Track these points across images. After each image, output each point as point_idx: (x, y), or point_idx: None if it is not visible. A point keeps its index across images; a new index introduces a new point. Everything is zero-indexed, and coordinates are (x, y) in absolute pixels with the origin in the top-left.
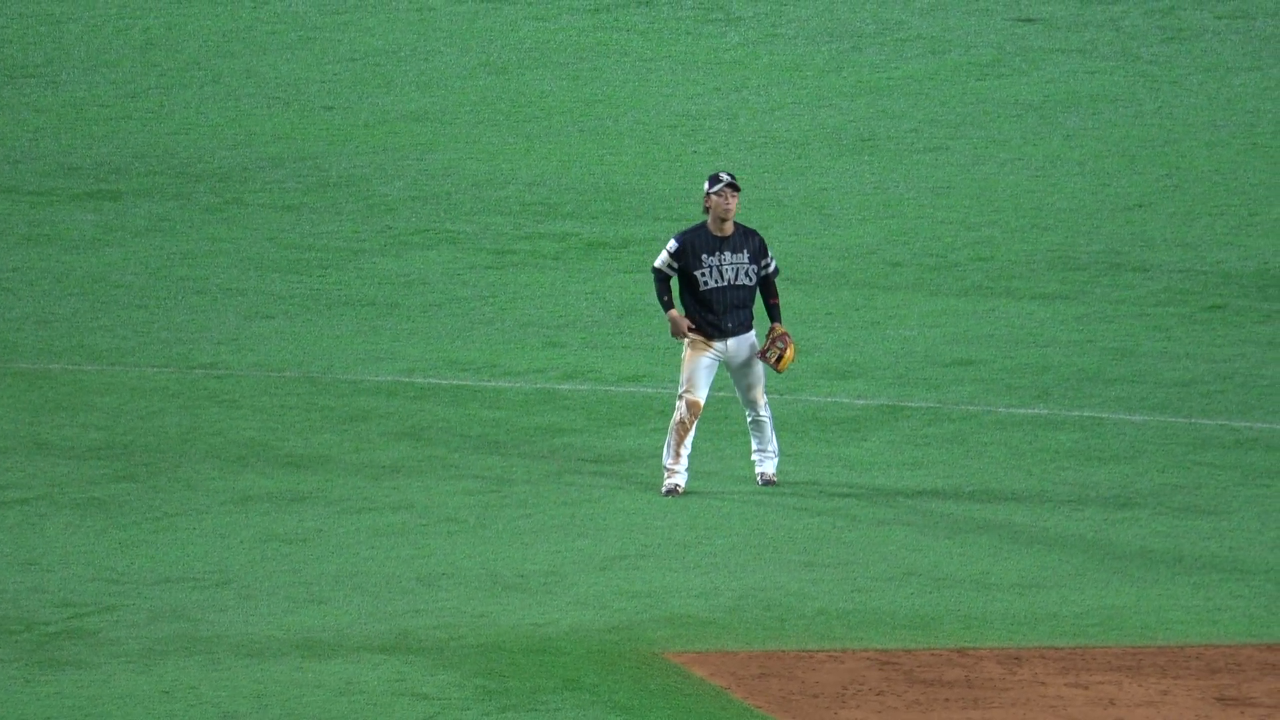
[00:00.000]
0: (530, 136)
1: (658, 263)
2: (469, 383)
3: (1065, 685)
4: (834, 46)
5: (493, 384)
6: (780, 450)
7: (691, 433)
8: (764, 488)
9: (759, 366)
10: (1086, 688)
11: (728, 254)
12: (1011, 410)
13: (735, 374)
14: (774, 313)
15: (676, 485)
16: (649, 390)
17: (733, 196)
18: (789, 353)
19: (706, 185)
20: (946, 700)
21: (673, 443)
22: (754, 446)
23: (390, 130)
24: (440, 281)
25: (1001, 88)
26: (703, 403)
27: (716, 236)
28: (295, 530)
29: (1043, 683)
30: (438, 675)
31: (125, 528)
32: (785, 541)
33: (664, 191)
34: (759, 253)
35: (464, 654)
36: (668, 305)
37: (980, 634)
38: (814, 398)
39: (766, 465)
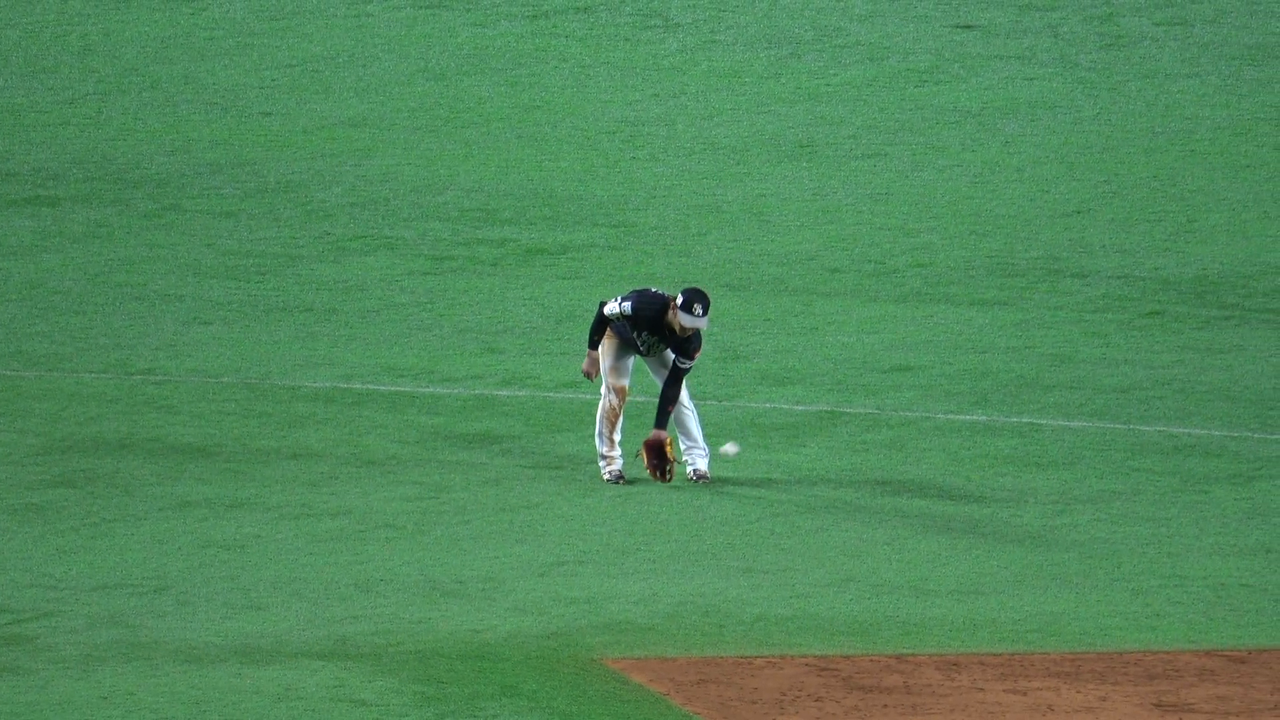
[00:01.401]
0: (469, 143)
1: (609, 310)
2: (407, 389)
3: (1004, 691)
4: (773, 53)
5: (431, 390)
6: (721, 456)
7: (620, 419)
8: (699, 485)
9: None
10: (1025, 694)
11: (663, 345)
12: (950, 416)
13: (651, 362)
14: (661, 419)
15: (619, 472)
16: (587, 396)
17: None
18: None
19: (679, 299)
20: (885, 706)
21: (605, 431)
22: (684, 445)
23: (328, 136)
24: (378, 287)
25: (940, 94)
26: (628, 387)
27: (666, 331)
28: (233, 536)
29: (981, 689)
30: (376, 681)
31: (63, 534)
32: (724, 548)
33: (602, 197)
34: (688, 349)
35: (402, 660)
36: (594, 344)
37: (919, 640)
38: (752, 404)
39: (699, 462)
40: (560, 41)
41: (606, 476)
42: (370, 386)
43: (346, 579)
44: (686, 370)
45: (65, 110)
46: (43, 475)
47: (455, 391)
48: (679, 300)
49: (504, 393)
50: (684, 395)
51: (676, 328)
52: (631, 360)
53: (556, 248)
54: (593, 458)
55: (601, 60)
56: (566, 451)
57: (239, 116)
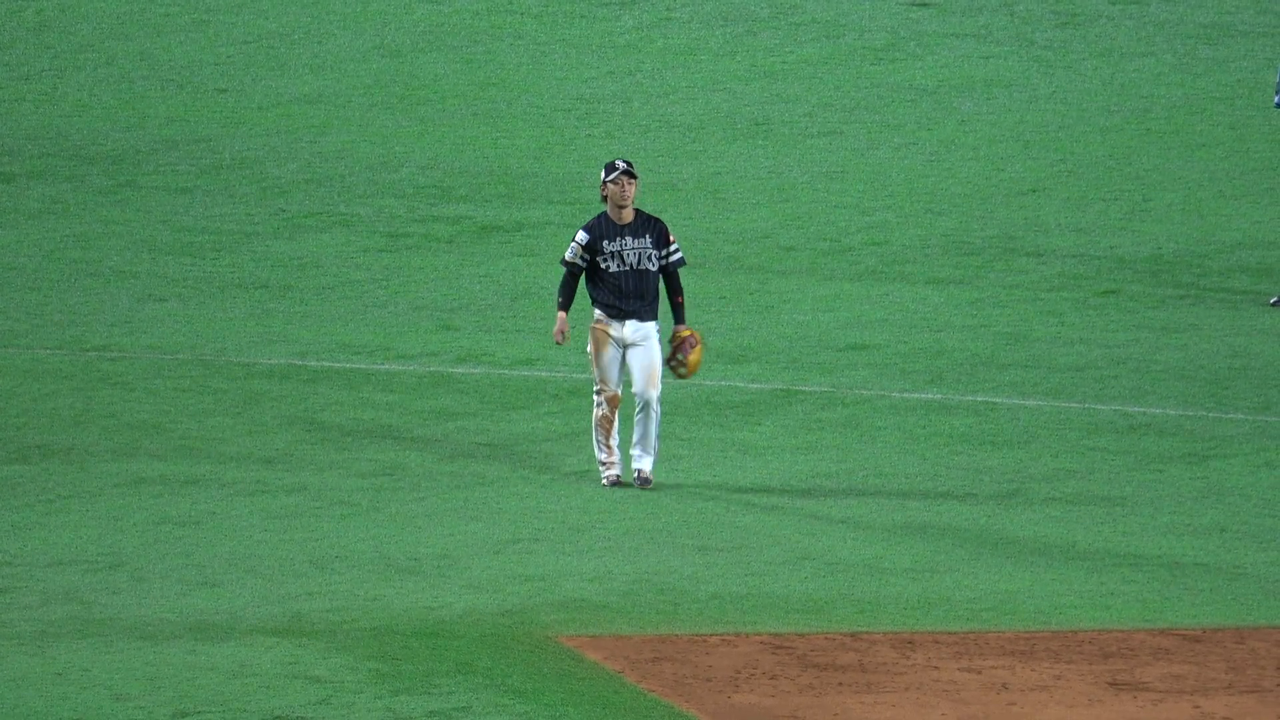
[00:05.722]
0: (424, 119)
1: (568, 256)
2: (362, 366)
3: (958, 670)
4: (728, 30)
5: (386, 367)
6: (676, 435)
7: (615, 423)
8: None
9: (655, 354)
10: (980, 672)
11: (629, 239)
12: (905, 395)
13: (630, 358)
14: (678, 313)
15: (616, 476)
16: (543, 374)
17: (629, 183)
18: (695, 356)
19: (603, 174)
20: (840, 684)
21: (600, 438)
22: (634, 437)
23: (284, 113)
24: (333, 264)
25: (896, 72)
26: (620, 393)
27: (617, 224)
28: (188, 513)
29: (936, 667)
30: (331, 658)
31: (18, 510)
32: (679, 525)
33: (558, 175)
34: (661, 240)
35: (357, 637)
36: (561, 306)
37: (874, 618)
38: (708, 382)
39: (644, 463)
40: (516, 19)
41: (605, 482)
42: (325, 363)
43: (301, 556)
44: (678, 259)
45: (20, 86)
46: None
47: (410, 368)
48: (601, 177)
49: (459, 370)
50: (655, 396)
51: (615, 198)
52: (620, 365)
53: (512, 225)
54: (547, 436)
55: (557, 38)
56: (521, 429)
57: (194, 93)
